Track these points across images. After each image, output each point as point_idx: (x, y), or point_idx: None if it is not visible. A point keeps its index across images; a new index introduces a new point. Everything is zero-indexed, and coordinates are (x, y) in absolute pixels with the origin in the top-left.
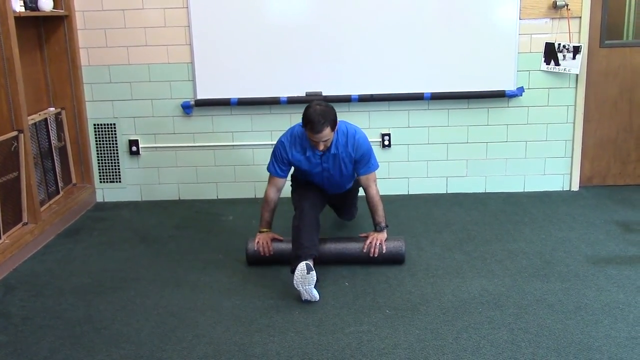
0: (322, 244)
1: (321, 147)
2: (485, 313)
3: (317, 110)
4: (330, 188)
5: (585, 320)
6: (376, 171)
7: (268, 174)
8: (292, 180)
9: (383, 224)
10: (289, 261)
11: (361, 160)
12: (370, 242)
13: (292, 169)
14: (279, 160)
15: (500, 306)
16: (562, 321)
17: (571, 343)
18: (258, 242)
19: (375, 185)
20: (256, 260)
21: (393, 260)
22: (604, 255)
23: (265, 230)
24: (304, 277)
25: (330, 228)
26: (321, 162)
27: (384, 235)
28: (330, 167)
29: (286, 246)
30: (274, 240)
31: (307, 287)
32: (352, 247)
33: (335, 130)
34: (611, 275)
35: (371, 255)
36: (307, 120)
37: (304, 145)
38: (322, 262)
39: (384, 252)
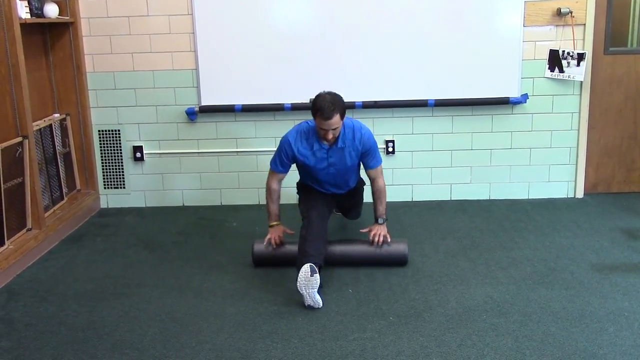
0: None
1: (330, 137)
2: (490, 320)
3: (327, 98)
4: (335, 185)
5: (590, 328)
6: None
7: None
8: (298, 189)
9: (384, 217)
10: (295, 266)
11: (369, 154)
12: (374, 233)
13: (297, 170)
14: (283, 157)
15: (504, 314)
16: (566, 329)
17: (576, 351)
18: (270, 237)
19: (383, 177)
20: (262, 262)
21: (396, 261)
22: (609, 263)
23: (275, 223)
24: (308, 280)
25: (333, 229)
26: (327, 157)
27: (384, 228)
28: (337, 161)
29: (292, 247)
30: (284, 234)
31: (310, 291)
32: (355, 247)
33: (343, 124)
34: (616, 282)
35: (376, 242)
36: (317, 107)
37: (311, 141)
38: (326, 264)
39: (389, 240)
